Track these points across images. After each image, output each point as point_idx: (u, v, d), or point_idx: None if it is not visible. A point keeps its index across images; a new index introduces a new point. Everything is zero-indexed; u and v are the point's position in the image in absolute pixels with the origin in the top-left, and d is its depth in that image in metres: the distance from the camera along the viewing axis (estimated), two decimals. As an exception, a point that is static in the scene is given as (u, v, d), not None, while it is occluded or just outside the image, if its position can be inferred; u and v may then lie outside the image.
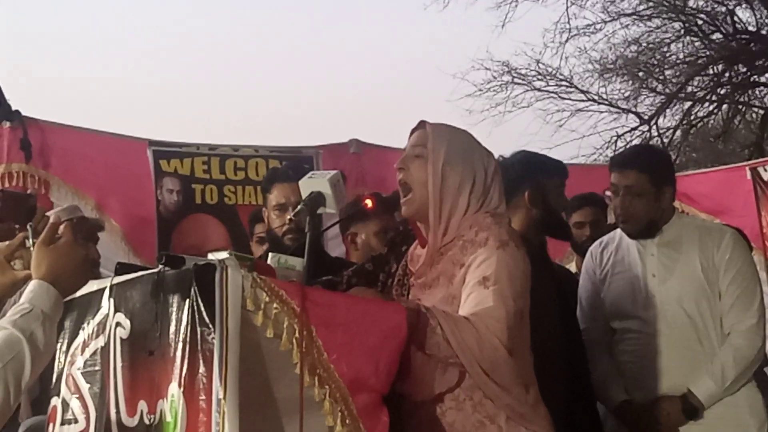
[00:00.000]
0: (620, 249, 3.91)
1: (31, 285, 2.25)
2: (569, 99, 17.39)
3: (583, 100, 17.36)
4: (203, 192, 5.77)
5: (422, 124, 2.81)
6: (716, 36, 16.32)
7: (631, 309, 3.78)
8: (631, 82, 17.17)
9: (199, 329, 2.12)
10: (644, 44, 16.80)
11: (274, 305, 2.18)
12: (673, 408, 3.63)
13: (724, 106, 16.64)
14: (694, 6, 16.17)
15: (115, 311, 2.48)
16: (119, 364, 2.43)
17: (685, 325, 3.67)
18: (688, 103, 16.63)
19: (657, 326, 3.70)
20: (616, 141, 16.61)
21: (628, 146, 16.45)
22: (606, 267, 3.93)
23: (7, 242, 2.57)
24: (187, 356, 2.14)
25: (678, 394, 3.64)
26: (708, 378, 3.61)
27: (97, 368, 2.55)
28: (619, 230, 4.03)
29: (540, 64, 17.17)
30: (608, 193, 3.83)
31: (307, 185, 2.81)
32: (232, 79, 33.88)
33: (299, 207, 2.80)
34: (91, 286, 2.60)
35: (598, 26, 16.52)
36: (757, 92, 16.54)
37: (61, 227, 2.37)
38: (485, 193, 2.74)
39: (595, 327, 3.90)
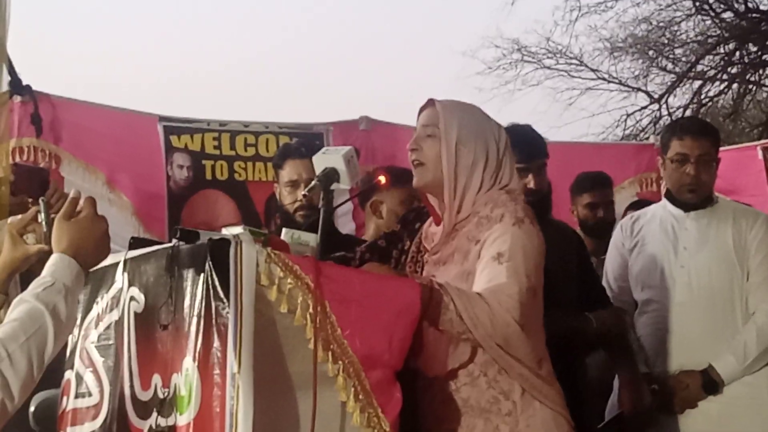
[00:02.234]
0: (653, 222, 3.91)
1: (53, 258, 2.26)
2: (579, 77, 17.42)
3: (593, 79, 17.38)
4: (213, 168, 5.75)
5: (431, 102, 2.80)
6: (727, 15, 16.24)
7: (658, 278, 3.78)
8: (641, 60, 17.14)
9: (213, 304, 2.13)
10: (655, 22, 16.76)
11: (288, 280, 2.18)
12: (693, 382, 3.64)
13: (735, 86, 16.57)
14: (705, -16, 16.10)
15: (129, 285, 2.48)
16: (133, 338, 2.43)
17: (711, 299, 3.68)
18: (699, 82, 16.58)
19: (682, 298, 3.71)
20: (625, 120, 16.63)
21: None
22: (636, 238, 3.93)
23: (19, 216, 2.58)
24: (201, 330, 2.14)
25: (697, 368, 3.65)
26: (730, 354, 3.62)
27: (111, 342, 2.55)
28: (652, 206, 4.07)
29: (550, 42, 17.20)
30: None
31: (321, 161, 2.80)
32: (243, 55, 33.85)
33: (313, 183, 2.80)
34: (105, 260, 2.61)
35: (608, 4, 16.50)
36: (767, 71, 16.48)
37: (81, 201, 2.37)
38: (498, 168, 2.74)
39: (619, 299, 3.90)
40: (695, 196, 3.80)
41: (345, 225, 4.63)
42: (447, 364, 2.58)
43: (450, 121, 2.72)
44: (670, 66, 17.11)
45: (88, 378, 2.63)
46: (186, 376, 2.17)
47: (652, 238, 3.87)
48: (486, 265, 2.55)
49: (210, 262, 2.14)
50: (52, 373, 2.72)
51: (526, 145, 3.44)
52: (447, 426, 2.62)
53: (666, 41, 16.94)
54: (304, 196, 3.52)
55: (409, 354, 2.35)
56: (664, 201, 3.99)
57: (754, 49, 16.11)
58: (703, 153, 3.77)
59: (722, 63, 16.43)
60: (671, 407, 3.68)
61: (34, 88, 5.13)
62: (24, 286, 2.33)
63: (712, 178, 3.84)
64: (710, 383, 3.62)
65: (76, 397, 2.67)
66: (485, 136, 2.74)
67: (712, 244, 3.74)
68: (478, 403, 2.59)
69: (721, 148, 4.27)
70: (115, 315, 2.54)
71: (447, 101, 2.80)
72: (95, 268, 2.58)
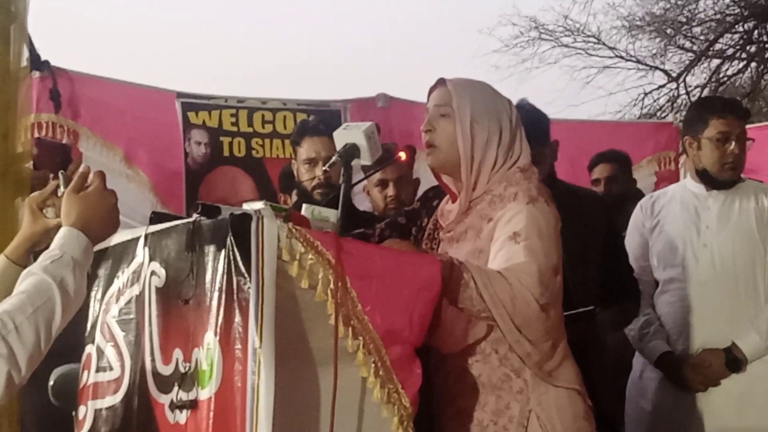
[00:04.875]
0: (674, 201, 3.91)
1: (61, 232, 2.26)
2: (597, 55, 17.37)
3: (610, 57, 17.32)
4: (231, 144, 5.77)
5: (442, 81, 2.79)
6: (746, -7, 16.14)
7: (680, 257, 3.78)
8: (659, 39, 17.06)
9: (234, 279, 2.12)
10: (673, 1, 16.64)
11: (310, 256, 2.18)
12: (717, 360, 3.64)
13: (753, 64, 16.47)
14: (725, -38, 16.00)
15: (150, 260, 2.48)
16: (154, 313, 2.44)
17: (734, 278, 3.68)
18: (717, 61, 16.51)
19: (706, 276, 3.71)
20: (643, 98, 16.56)
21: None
22: (657, 217, 3.93)
23: (39, 191, 2.58)
24: (222, 305, 2.14)
25: (720, 346, 3.65)
26: (753, 332, 3.62)
27: (132, 316, 2.56)
28: (672, 186, 4.09)
29: (568, 20, 17.14)
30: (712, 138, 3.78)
31: (342, 137, 2.79)
32: (261, 32, 33.80)
33: (333, 158, 2.79)
34: (126, 234, 2.61)
35: (626, -18, 16.40)
36: (786, 51, 16.37)
37: (91, 175, 2.37)
38: (511, 143, 2.74)
39: (640, 279, 3.89)
40: (736, 174, 3.79)
41: (363, 201, 4.62)
42: (463, 341, 2.58)
43: (463, 100, 2.71)
44: (688, 44, 17.05)
45: (109, 352, 2.64)
46: (207, 351, 2.17)
47: (674, 218, 3.86)
48: (502, 245, 2.55)
49: (231, 237, 2.14)
50: (71, 348, 2.74)
51: None
52: (459, 402, 2.64)
53: (684, 19, 16.85)
54: (325, 171, 3.52)
55: (427, 330, 2.36)
56: (684, 180, 3.98)
57: (773, 28, 16.01)
58: (742, 131, 3.77)
59: (741, 42, 16.34)
60: (694, 385, 3.69)
61: (52, 63, 5.13)
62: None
63: (745, 156, 3.82)
64: (734, 361, 3.62)
65: (97, 371, 2.68)
66: (498, 112, 2.74)
67: (734, 223, 3.73)
68: (489, 380, 2.60)
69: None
70: (136, 289, 2.55)
71: (458, 80, 2.79)
72: (114, 242, 2.59)
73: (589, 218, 3.62)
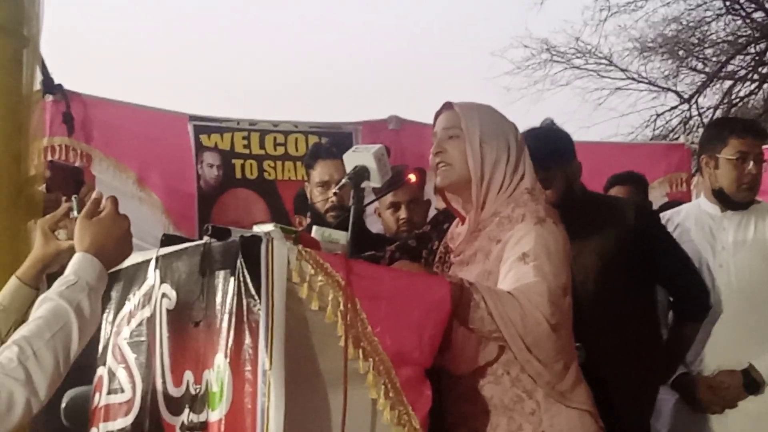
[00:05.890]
0: (688, 221, 3.88)
1: (76, 257, 2.27)
2: (608, 77, 17.38)
3: (622, 79, 17.32)
4: (243, 167, 5.78)
5: (448, 105, 2.82)
6: (758, 15, 16.14)
7: None
8: (671, 60, 17.08)
9: (245, 300, 2.13)
10: (685, 22, 16.69)
11: (319, 278, 2.19)
12: (735, 382, 3.61)
13: (765, 86, 16.46)
14: (736, -16, 16.01)
15: (161, 282, 2.50)
16: (165, 335, 2.45)
17: (751, 299, 3.65)
18: (729, 83, 16.48)
19: (722, 297, 3.68)
20: (655, 120, 16.56)
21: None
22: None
23: (51, 213, 2.59)
24: (233, 327, 2.15)
25: (736, 368, 3.63)
26: None
27: (143, 339, 2.57)
28: (685, 206, 4.07)
29: (579, 42, 17.18)
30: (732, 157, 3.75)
31: (352, 159, 2.80)
32: (272, 55, 33.93)
33: (343, 181, 2.80)
34: (137, 257, 2.62)
35: (638, 4, 16.47)
36: (798, 72, 16.36)
37: (104, 200, 2.39)
38: (517, 163, 2.76)
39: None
40: (752, 194, 3.78)
41: (374, 223, 4.63)
42: (474, 362, 2.58)
43: (472, 121, 2.74)
44: (700, 66, 17.05)
45: (121, 374, 2.65)
46: (218, 373, 2.18)
47: (689, 238, 3.83)
48: (511, 266, 2.55)
49: (242, 259, 2.15)
50: (83, 370, 2.74)
51: None
52: (471, 424, 2.63)
53: (696, 41, 16.87)
54: (335, 194, 3.53)
55: (437, 351, 2.36)
56: (698, 200, 3.96)
57: (785, 49, 16.01)
58: (760, 152, 3.76)
59: (753, 63, 16.33)
60: (711, 407, 3.66)
61: (65, 87, 5.16)
62: (51, 285, 2.35)
63: (761, 177, 3.81)
64: (752, 383, 3.60)
65: (109, 393, 2.69)
66: (505, 134, 2.77)
67: (750, 244, 3.71)
68: (501, 401, 2.59)
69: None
70: (147, 312, 2.56)
71: (464, 103, 2.83)
72: (125, 265, 2.60)
73: (619, 225, 3.51)
